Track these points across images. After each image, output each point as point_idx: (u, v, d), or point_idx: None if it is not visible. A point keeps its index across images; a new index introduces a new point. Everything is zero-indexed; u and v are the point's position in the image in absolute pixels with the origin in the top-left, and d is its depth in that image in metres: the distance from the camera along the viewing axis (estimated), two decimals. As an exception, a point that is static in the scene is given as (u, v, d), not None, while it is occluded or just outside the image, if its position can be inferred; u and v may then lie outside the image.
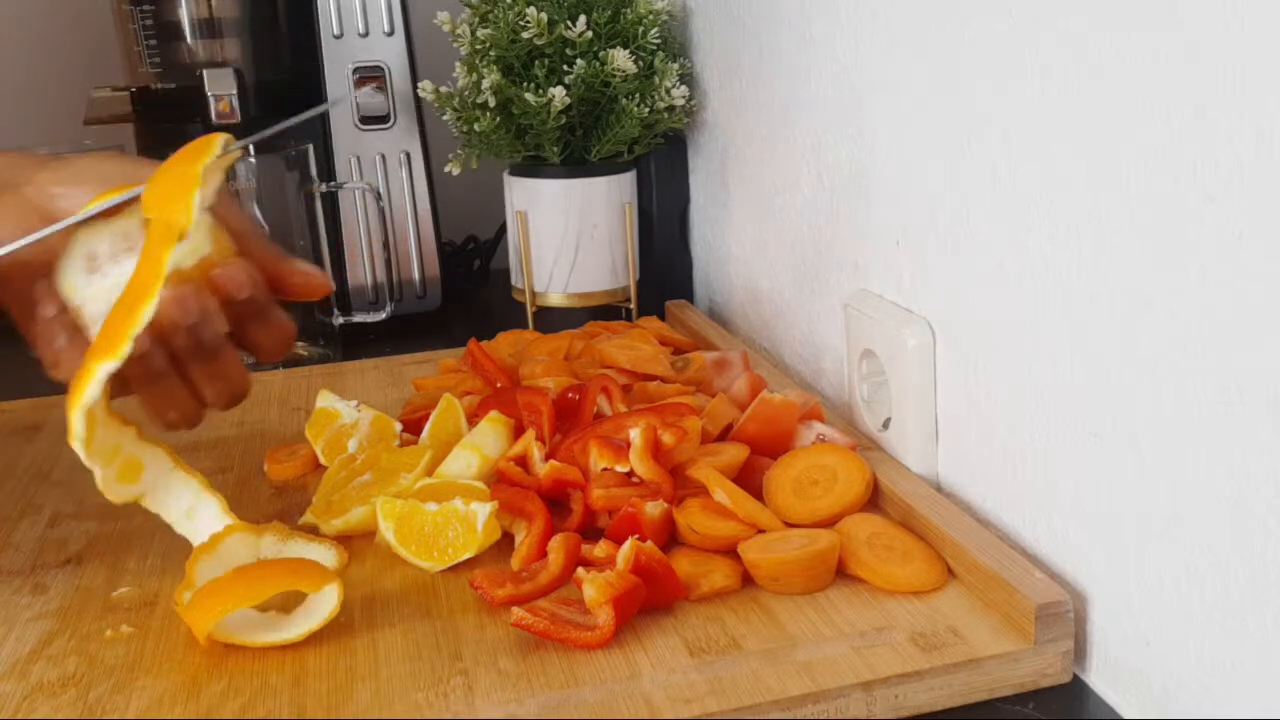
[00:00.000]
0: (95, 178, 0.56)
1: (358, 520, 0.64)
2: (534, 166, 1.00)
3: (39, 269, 0.55)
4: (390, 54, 1.07)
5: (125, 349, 0.50)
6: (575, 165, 0.99)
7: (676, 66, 0.97)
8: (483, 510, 0.61)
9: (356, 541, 0.65)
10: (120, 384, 0.55)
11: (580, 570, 0.56)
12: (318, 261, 1.01)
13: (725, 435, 0.70)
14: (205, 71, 1.02)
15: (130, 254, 0.53)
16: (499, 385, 0.80)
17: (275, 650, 0.55)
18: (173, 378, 0.56)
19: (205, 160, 0.53)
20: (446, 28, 0.99)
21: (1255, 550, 0.43)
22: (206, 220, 0.54)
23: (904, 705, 0.50)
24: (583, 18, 0.94)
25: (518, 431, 0.70)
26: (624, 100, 0.95)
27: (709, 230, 1.04)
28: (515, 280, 1.04)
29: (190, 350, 0.55)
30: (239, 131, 1.02)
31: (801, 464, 0.64)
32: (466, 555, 0.61)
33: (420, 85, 0.99)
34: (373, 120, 1.07)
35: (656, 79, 0.97)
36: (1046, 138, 0.53)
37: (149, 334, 0.52)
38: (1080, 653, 0.53)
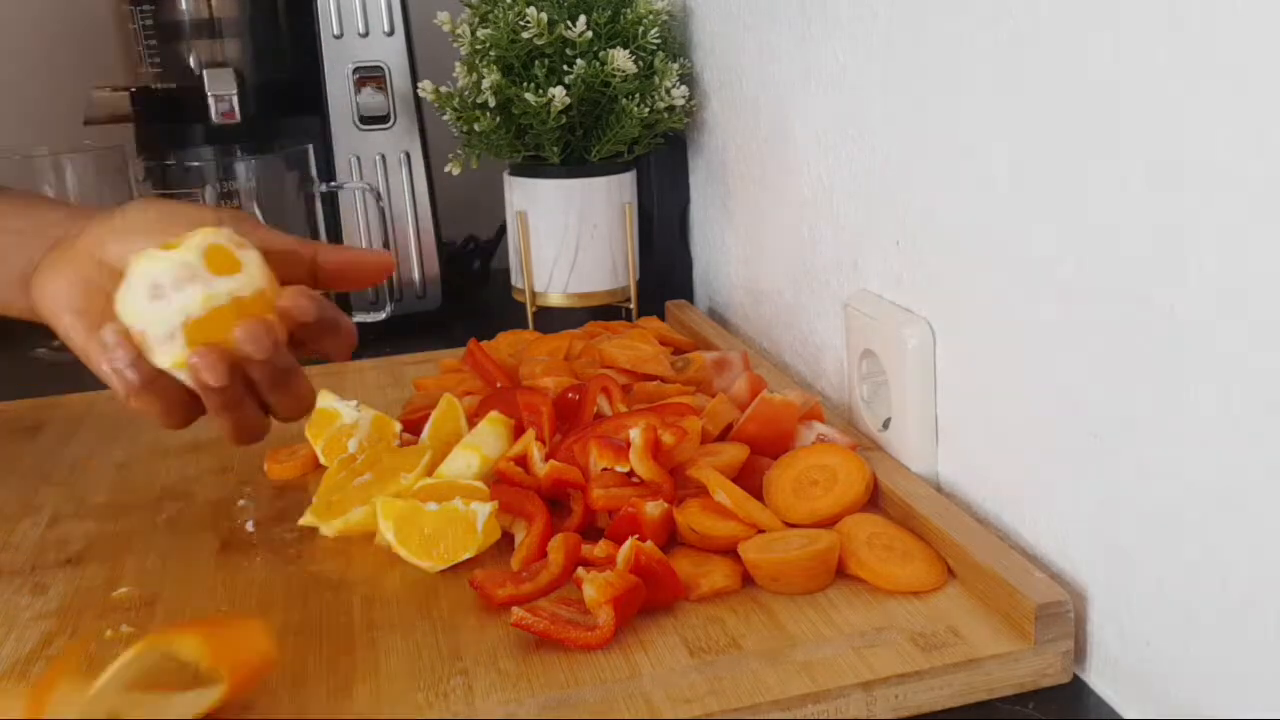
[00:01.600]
0: (142, 226, 0.59)
1: (358, 520, 0.64)
2: (534, 166, 1.00)
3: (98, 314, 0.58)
4: (390, 54, 1.07)
5: None
6: (575, 165, 0.99)
7: (676, 66, 0.97)
8: (483, 510, 0.61)
9: (356, 541, 0.65)
10: (194, 409, 0.58)
11: (580, 570, 0.56)
12: (318, 261, 1.01)
13: (725, 435, 0.70)
14: (205, 71, 1.02)
15: (192, 282, 0.55)
16: (499, 385, 0.80)
17: (275, 649, 0.54)
18: (249, 402, 0.58)
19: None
20: (446, 28, 0.99)
21: (1255, 550, 0.43)
22: (255, 256, 0.56)
23: (904, 705, 0.50)
24: (583, 18, 0.94)
25: (518, 431, 0.70)
26: (624, 100, 0.95)
27: (709, 230, 1.04)
28: (515, 280, 1.04)
29: (265, 377, 0.57)
30: (240, 131, 1.02)
31: (801, 464, 0.64)
32: (466, 555, 0.61)
33: (420, 85, 0.99)
34: (373, 120, 1.07)
35: (656, 79, 0.97)
36: (1047, 137, 0.53)
37: (226, 365, 0.55)
38: (1080, 653, 0.53)
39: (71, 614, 0.59)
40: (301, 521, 0.66)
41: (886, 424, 0.70)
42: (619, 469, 0.63)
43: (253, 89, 1.05)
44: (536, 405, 0.71)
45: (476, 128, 0.96)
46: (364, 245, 1.08)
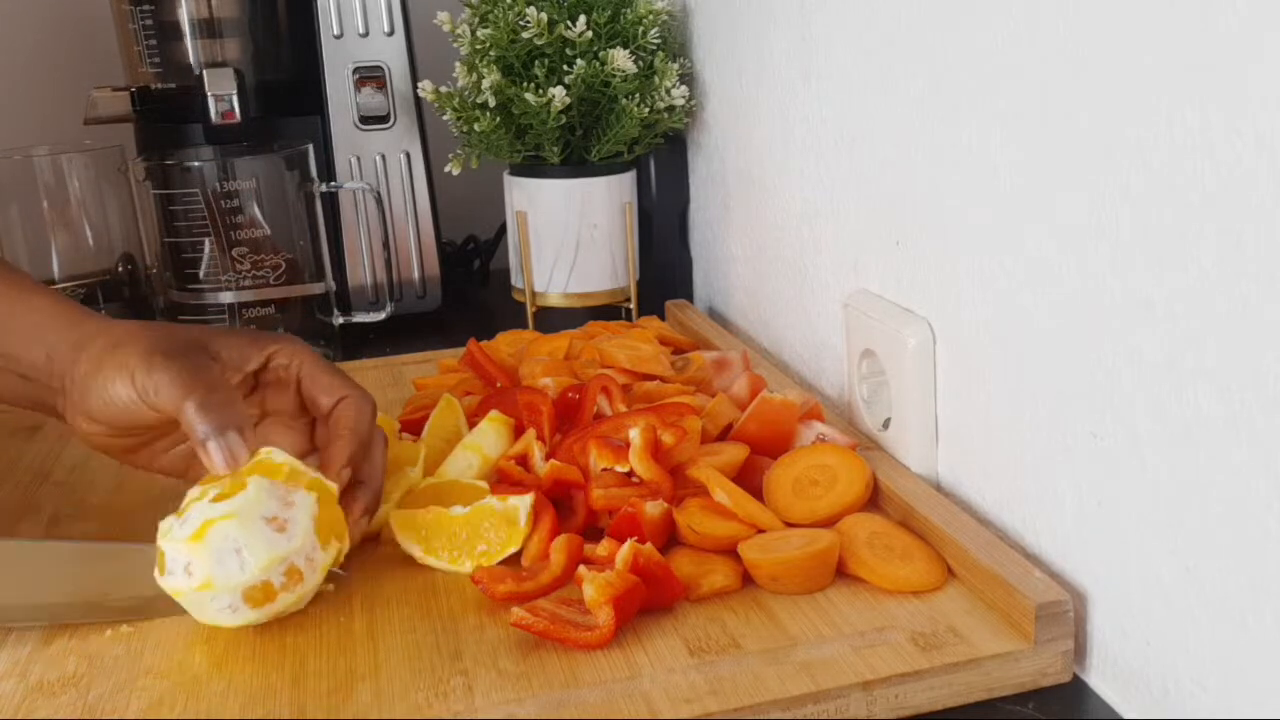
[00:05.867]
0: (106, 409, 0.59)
1: (380, 515, 0.64)
2: (534, 166, 1.00)
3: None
4: (390, 54, 1.07)
5: None
6: (575, 165, 0.99)
7: (676, 66, 0.97)
8: (524, 504, 0.61)
9: (359, 541, 0.65)
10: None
11: (581, 569, 0.56)
12: (318, 262, 1.01)
13: (725, 435, 0.70)
14: (205, 71, 1.02)
15: (222, 501, 0.55)
16: (499, 385, 0.80)
17: (275, 650, 0.55)
18: None
19: None
20: (446, 28, 0.99)
21: (1255, 550, 0.43)
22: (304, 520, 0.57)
23: (904, 705, 0.50)
24: (583, 18, 0.94)
25: (518, 431, 0.70)
26: (624, 100, 0.95)
27: (709, 230, 1.04)
28: (515, 280, 1.04)
29: None
30: (240, 131, 1.02)
31: (801, 464, 0.64)
32: (511, 550, 0.61)
33: (420, 85, 0.99)
34: (373, 120, 1.07)
35: (656, 79, 0.97)
36: (1047, 138, 0.53)
37: None
38: (1080, 653, 0.53)
39: (71, 614, 0.59)
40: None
41: (886, 424, 0.70)
42: (619, 469, 0.63)
43: (253, 89, 1.05)
44: (536, 405, 0.71)
45: (476, 128, 0.96)
46: (364, 246, 1.08)
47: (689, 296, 1.10)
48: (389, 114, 1.07)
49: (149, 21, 1.04)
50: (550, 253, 1.00)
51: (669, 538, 0.61)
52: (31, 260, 1.06)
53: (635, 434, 0.63)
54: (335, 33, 1.05)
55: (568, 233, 0.99)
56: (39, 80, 1.30)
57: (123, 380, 0.57)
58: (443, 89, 0.98)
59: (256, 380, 0.64)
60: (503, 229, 1.20)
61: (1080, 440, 0.53)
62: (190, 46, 1.05)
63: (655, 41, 0.97)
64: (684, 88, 0.98)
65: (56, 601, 0.58)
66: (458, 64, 0.97)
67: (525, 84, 0.94)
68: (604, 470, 0.64)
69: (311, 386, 0.63)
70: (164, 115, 1.07)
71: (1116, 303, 0.49)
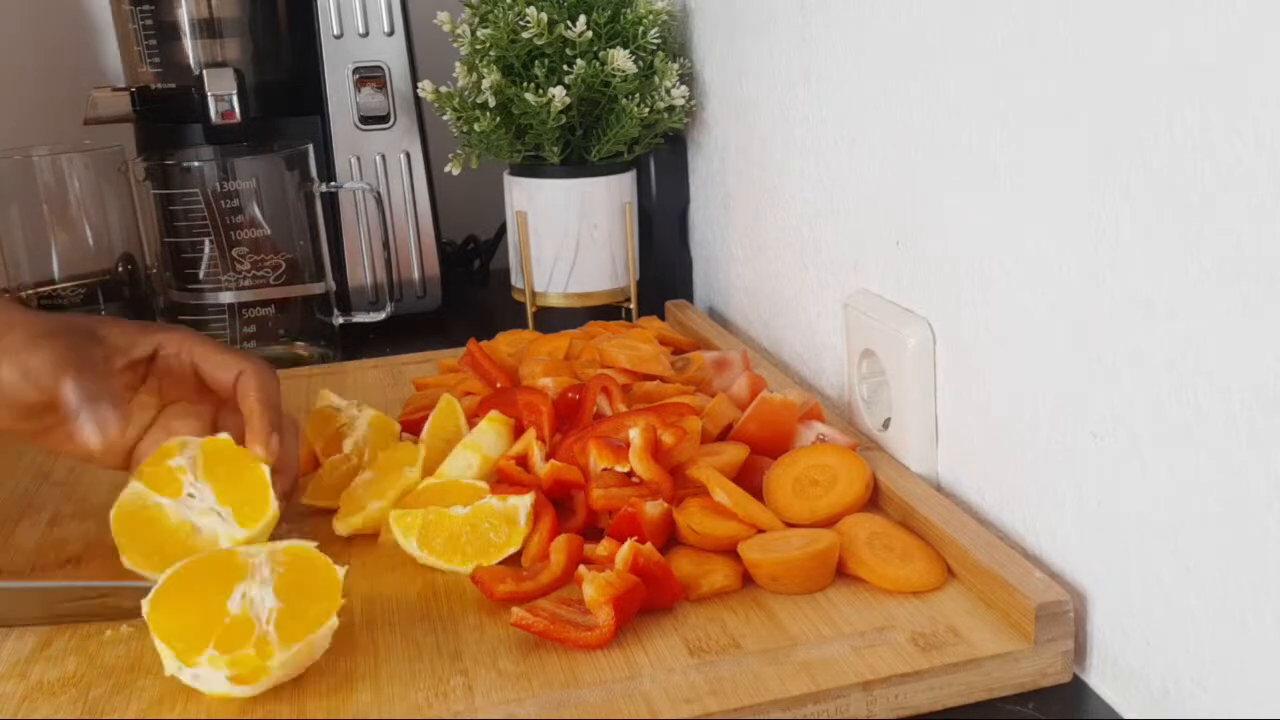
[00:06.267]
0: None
1: (377, 514, 0.64)
2: (534, 166, 1.00)
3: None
4: (390, 54, 1.07)
5: None
6: (575, 165, 0.99)
7: (676, 66, 0.97)
8: (523, 504, 0.61)
9: (357, 541, 0.65)
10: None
11: (581, 569, 0.56)
12: (318, 262, 1.01)
13: (725, 435, 0.70)
14: (205, 71, 1.02)
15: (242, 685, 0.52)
16: (499, 385, 0.80)
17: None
18: None
19: None
20: (446, 28, 0.99)
21: (1255, 550, 0.43)
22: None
23: (904, 705, 0.50)
24: (583, 18, 0.94)
25: (518, 431, 0.70)
26: (624, 100, 0.95)
27: (709, 230, 1.04)
28: (515, 280, 1.04)
29: None
30: (240, 131, 1.02)
31: (801, 464, 0.64)
32: (511, 550, 0.61)
33: (420, 85, 0.99)
34: (373, 120, 1.07)
35: (656, 79, 0.97)
36: (1047, 137, 0.53)
37: None
38: (1080, 653, 0.53)
39: (71, 614, 0.59)
40: (305, 500, 0.68)
41: (886, 424, 0.70)
42: (619, 469, 0.63)
43: (253, 89, 1.05)
44: (536, 405, 0.71)
45: (476, 128, 0.96)
46: (364, 246, 1.08)
47: (689, 296, 1.10)
48: (389, 114, 1.07)
49: (149, 21, 1.04)
50: (550, 253, 1.00)
51: (669, 538, 0.61)
52: (31, 260, 1.06)
53: (635, 434, 0.63)
54: (335, 33, 1.05)
55: (568, 233, 0.99)
56: (39, 80, 1.30)
57: (9, 363, 0.59)
58: (443, 89, 0.98)
59: (149, 370, 0.65)
60: (503, 229, 1.20)
61: (1080, 440, 0.53)
62: (190, 46, 1.05)
63: (655, 41, 0.97)
64: (684, 88, 0.98)
65: (55, 613, 0.59)
66: (458, 64, 0.97)
67: (525, 84, 0.94)
68: (604, 470, 0.64)
69: (209, 367, 0.64)
70: (164, 115, 1.07)
71: (1116, 303, 0.49)
